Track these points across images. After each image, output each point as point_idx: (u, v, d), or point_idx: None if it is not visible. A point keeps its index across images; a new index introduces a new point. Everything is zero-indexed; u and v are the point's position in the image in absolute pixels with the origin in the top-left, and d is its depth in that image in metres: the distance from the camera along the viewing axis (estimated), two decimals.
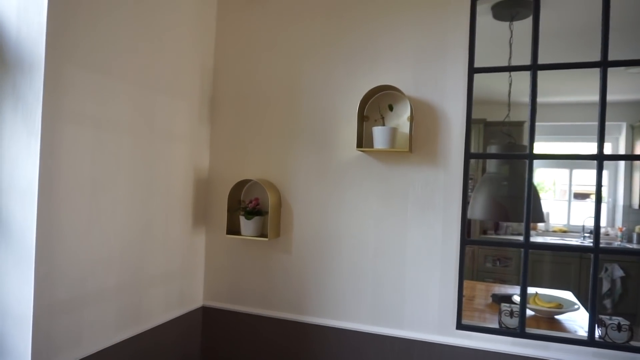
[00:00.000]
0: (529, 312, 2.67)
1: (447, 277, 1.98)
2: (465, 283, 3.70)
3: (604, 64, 1.84)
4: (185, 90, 2.16)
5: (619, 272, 4.71)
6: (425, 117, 2.01)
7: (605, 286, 4.88)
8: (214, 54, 2.37)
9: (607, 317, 1.88)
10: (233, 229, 2.18)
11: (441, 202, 1.98)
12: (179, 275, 2.16)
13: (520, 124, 5.41)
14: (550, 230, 5.38)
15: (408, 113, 1.98)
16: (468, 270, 5.25)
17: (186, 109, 2.17)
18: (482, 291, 3.30)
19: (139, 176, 1.89)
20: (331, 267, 2.14)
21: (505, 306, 1.96)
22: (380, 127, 1.96)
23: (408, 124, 1.98)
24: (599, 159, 1.87)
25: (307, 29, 2.21)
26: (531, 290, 3.13)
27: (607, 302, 4.74)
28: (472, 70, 1.97)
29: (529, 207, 1.91)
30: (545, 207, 5.57)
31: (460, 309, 1.97)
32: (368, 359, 2.08)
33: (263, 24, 2.30)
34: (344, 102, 2.12)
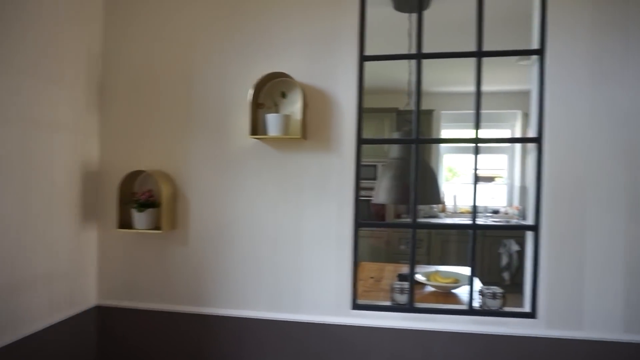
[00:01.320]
0: (429, 289, 2.85)
1: (342, 260, 2.04)
2: (376, 265, 3.88)
3: (478, 54, 1.97)
4: (68, 76, 2.01)
5: (515, 247, 5.17)
6: (318, 104, 2.05)
7: (504, 260, 5.33)
8: (102, 39, 2.23)
9: (486, 287, 2.06)
10: (126, 222, 2.09)
11: (335, 187, 2.04)
12: (66, 275, 2.03)
13: (429, 112, 5.72)
14: (458, 211, 5.76)
15: (301, 100, 2.00)
16: (383, 253, 5.49)
17: (69, 97, 2.02)
18: (391, 272, 3.44)
19: (13, 169, 1.74)
20: (229, 256, 2.13)
21: (396, 284, 2.07)
22: (273, 114, 1.96)
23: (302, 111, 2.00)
24: (475, 143, 2.01)
25: (200, 16, 2.15)
26: (443, 268, 3.35)
27: (506, 275, 5.19)
28: (362, 58, 2.03)
29: (416, 189, 2.02)
30: (455, 190, 5.95)
31: (355, 290, 2.04)
32: (268, 345, 2.10)
33: (155, 10, 2.19)
34: (238, 90, 2.10)
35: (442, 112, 5.55)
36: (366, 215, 5.91)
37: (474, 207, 2.01)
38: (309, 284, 2.07)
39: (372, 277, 3.30)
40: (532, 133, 1.97)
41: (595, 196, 1.91)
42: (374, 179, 5.16)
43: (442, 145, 5.75)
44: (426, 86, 5.70)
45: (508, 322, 1.96)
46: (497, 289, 2.02)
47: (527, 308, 1.98)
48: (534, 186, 1.96)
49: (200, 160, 2.14)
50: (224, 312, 2.13)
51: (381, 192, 3.16)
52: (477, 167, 2.02)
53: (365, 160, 5.58)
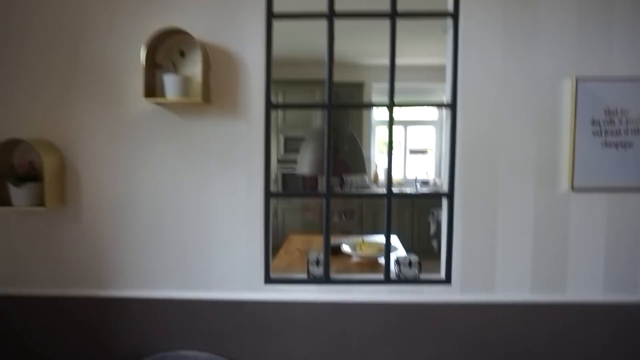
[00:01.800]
0: (354, 259, 2.82)
1: (253, 232, 1.92)
2: (304, 237, 3.80)
3: (392, 15, 1.87)
4: None
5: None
6: (223, 65, 1.87)
7: (432, 228, 5.48)
8: None
9: (403, 256, 2.02)
10: (3, 199, 1.82)
11: (243, 156, 1.89)
12: None
13: (360, 85, 5.66)
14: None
15: (202, 60, 1.81)
16: (316, 227, 5.45)
17: None
18: (319, 244, 3.38)
19: None
20: (130, 234, 1.93)
21: (312, 256, 1.98)
22: (169, 75, 1.76)
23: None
24: (390, 107, 1.93)
25: None
26: (371, 238, 3.32)
27: (434, 243, 5.34)
28: (270, 15, 1.86)
29: (329, 158, 1.91)
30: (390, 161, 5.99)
31: (267, 264, 1.93)
32: (177, 326, 1.95)
33: None
34: (133, 49, 1.86)
35: (373, 84, 5.50)
36: (301, 189, 5.83)
37: (389, 175, 1.95)
38: (218, 260, 1.93)
39: (298, 249, 3.22)
40: (446, 99, 1.93)
41: (506, 163, 1.91)
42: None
43: (374, 118, 5.72)
44: (357, 58, 5.63)
45: (424, 289, 1.95)
46: (414, 257, 1.99)
47: (442, 275, 1.97)
48: (448, 154, 1.93)
49: (92, 127, 1.90)
50: (127, 294, 1.94)
51: (304, 164, 3.05)
52: (393, 135, 1.95)
53: (292, 134, 5.46)
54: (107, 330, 1.96)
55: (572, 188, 1.88)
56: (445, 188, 1.95)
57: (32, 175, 1.81)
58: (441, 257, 2.00)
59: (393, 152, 1.94)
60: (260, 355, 1.96)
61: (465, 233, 1.93)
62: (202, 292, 1.93)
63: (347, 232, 5.32)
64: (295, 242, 3.55)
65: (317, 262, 1.96)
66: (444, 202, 1.96)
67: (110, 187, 1.91)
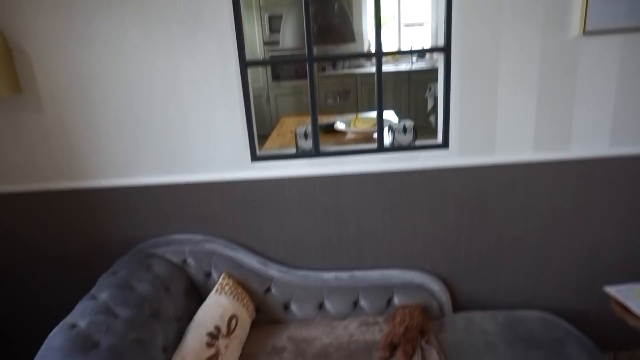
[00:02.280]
0: (349, 136, 2.69)
1: (232, 108, 1.76)
2: (298, 119, 3.64)
3: None
4: None
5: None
6: None
7: (430, 104, 5.30)
8: None
9: (397, 122, 1.89)
10: None
11: (210, 19, 1.65)
12: None
13: None
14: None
15: None
16: (307, 108, 5.28)
17: None
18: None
19: None
20: (101, 119, 1.78)
21: (300, 129, 1.84)
22: None
23: None
24: None
25: None
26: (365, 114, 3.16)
27: (432, 118, 5.19)
28: None
29: (308, 17, 1.67)
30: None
31: (252, 140, 1.80)
32: (170, 212, 1.90)
33: None
34: None
35: None
36: (292, 72, 5.53)
37: (378, 34, 1.72)
38: (199, 140, 1.80)
39: (291, 131, 3.09)
40: None
41: (510, 8, 1.67)
42: None
43: None
44: None
45: (419, 155, 1.84)
46: (408, 122, 1.85)
47: (439, 139, 1.85)
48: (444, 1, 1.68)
49: (33, 2, 1.64)
50: (108, 184, 1.85)
51: (286, 36, 2.78)
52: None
53: (277, 12, 4.97)
54: (96, 221, 1.91)
55: (584, 31, 1.66)
56: (440, 41, 1.73)
57: None
58: (438, 122, 1.86)
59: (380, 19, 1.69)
60: (255, 233, 1.94)
61: (464, 92, 1.76)
62: (187, 175, 1.84)
63: (342, 112, 5.18)
64: (288, 124, 3.40)
65: (306, 135, 1.83)
66: (441, 58, 1.76)
67: (67, 69, 1.71)
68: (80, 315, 1.46)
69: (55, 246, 1.95)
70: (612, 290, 1.79)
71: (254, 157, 1.82)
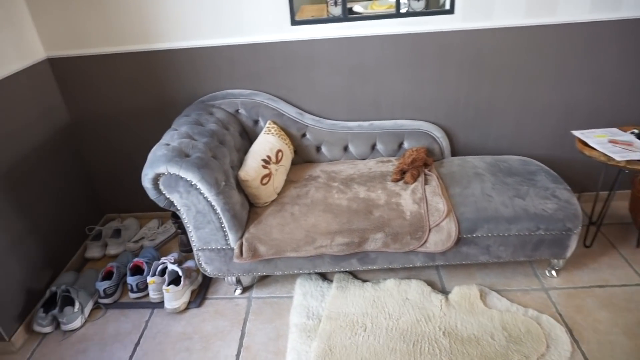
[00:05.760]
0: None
1: None
2: (316, 7, 3.88)
3: None
4: None
5: None
6: None
7: None
8: None
9: None
10: None
11: None
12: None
13: None
14: None
15: None
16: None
17: None
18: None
19: None
20: None
21: None
22: None
23: None
24: None
25: None
26: None
27: None
28: None
29: None
30: None
31: (292, 7, 2.17)
32: (222, 71, 2.32)
33: None
34: None
35: None
36: None
37: None
38: (249, 6, 2.16)
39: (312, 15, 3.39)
40: None
41: None
42: None
43: None
44: None
45: (430, 20, 2.21)
46: None
47: (447, 6, 2.20)
48: None
49: None
50: (170, 46, 2.26)
51: None
52: None
53: None
54: (163, 80, 2.34)
55: None
56: None
57: None
58: None
59: None
60: (293, 89, 2.37)
61: None
62: (237, 37, 2.23)
63: None
64: (307, 11, 3.68)
65: (336, 2, 2.19)
66: None
67: None
68: (170, 139, 1.95)
69: (132, 102, 2.41)
70: (577, 132, 2.25)
71: (294, 22, 2.20)
